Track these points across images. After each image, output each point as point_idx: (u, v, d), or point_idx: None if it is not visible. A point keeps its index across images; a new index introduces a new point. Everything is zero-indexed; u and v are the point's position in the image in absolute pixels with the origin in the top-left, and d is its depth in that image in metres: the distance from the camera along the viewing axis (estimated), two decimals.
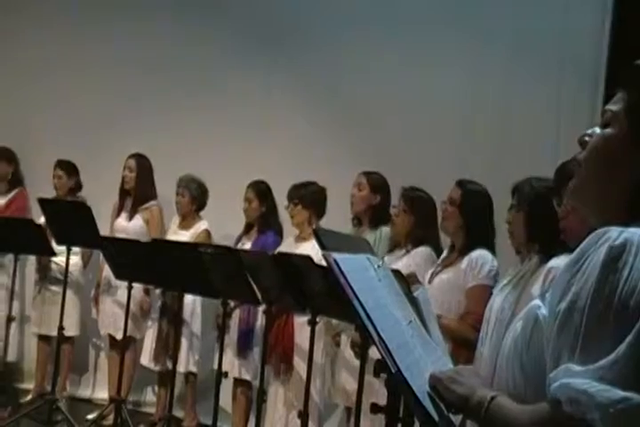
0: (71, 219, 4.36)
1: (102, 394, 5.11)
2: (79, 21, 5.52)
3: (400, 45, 4.82)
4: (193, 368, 4.63)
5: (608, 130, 1.14)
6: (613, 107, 1.15)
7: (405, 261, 3.50)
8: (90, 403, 5.15)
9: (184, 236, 4.70)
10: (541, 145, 4.37)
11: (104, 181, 5.12)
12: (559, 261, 2.47)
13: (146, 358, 4.70)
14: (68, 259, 4.58)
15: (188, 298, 4.50)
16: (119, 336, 4.65)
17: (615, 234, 1.01)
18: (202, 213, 4.85)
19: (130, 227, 4.90)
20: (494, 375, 2.06)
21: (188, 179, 4.76)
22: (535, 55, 4.58)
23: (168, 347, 4.52)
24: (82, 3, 5.56)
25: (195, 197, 4.76)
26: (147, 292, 4.70)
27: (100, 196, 5.02)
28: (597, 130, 1.16)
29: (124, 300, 4.37)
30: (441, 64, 4.74)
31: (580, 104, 4.40)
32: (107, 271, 4.64)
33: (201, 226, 4.77)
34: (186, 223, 4.82)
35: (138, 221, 4.93)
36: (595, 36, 4.46)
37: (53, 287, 4.98)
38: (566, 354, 0.99)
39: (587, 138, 1.16)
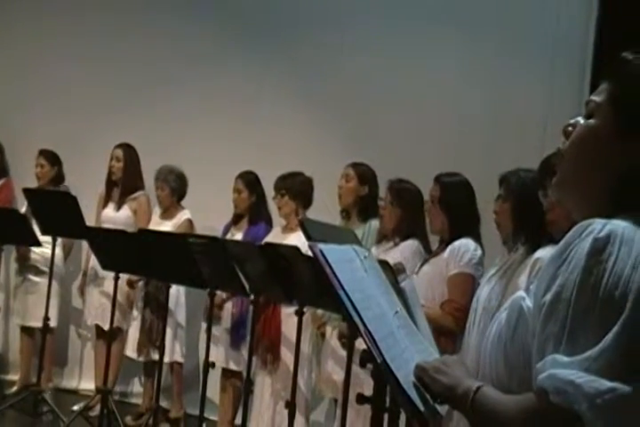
0: (56, 209, 4.34)
1: (88, 385, 5.10)
2: (63, 14, 5.46)
3: (390, 40, 4.81)
4: (178, 358, 4.63)
5: (591, 120, 1.14)
6: (597, 98, 1.15)
7: (393, 254, 3.49)
8: (76, 394, 5.14)
9: (166, 226, 4.68)
10: (530, 138, 4.38)
11: (88, 172, 5.10)
12: (545, 252, 2.49)
13: (130, 349, 4.69)
14: (53, 250, 4.56)
15: (172, 288, 4.48)
16: (107, 327, 4.65)
17: (599, 226, 1.02)
18: (185, 203, 4.83)
19: (118, 217, 4.88)
20: (479, 365, 2.07)
21: (166, 171, 4.74)
22: (524, 49, 4.59)
23: (152, 337, 4.51)
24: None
25: (174, 188, 4.74)
26: (130, 285, 4.68)
27: (84, 186, 4.98)
28: (581, 120, 1.16)
29: (110, 291, 4.35)
30: (431, 58, 4.74)
31: (567, 98, 4.40)
32: (93, 262, 4.62)
33: (183, 216, 4.76)
34: (168, 213, 4.80)
35: (126, 211, 4.91)
36: (581, 30, 4.47)
37: (33, 277, 4.96)
38: (552, 345, 1.00)
39: (570, 128, 1.16)
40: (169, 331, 4.49)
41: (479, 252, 3.15)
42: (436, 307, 3.13)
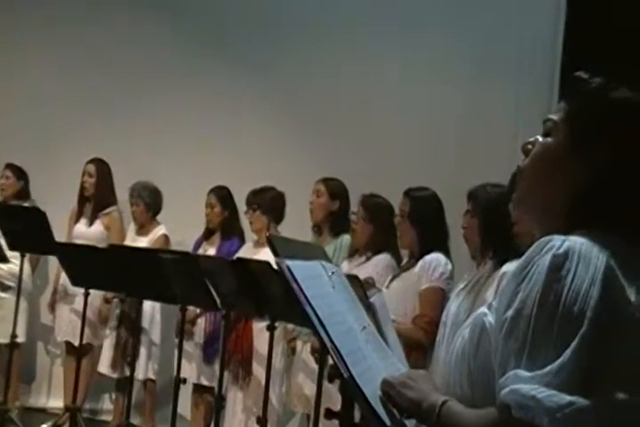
0: (25, 224, 4.29)
1: (57, 403, 5.03)
2: (33, 27, 5.43)
3: (363, 54, 4.85)
4: (152, 375, 4.60)
5: (549, 139, 1.17)
6: (554, 116, 1.18)
7: (366, 269, 3.50)
8: (44, 412, 5.06)
9: (142, 242, 4.66)
10: (500, 153, 4.43)
11: (57, 187, 5.05)
12: (513, 267, 2.51)
13: (104, 366, 4.64)
14: (22, 265, 4.50)
15: (147, 305, 4.48)
16: (77, 343, 4.60)
17: (558, 242, 1.04)
18: (159, 218, 4.81)
19: (90, 233, 4.85)
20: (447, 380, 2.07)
21: (140, 187, 4.72)
22: (494, 66, 4.67)
23: (126, 354, 4.47)
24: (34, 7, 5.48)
25: (148, 204, 4.73)
26: (106, 301, 4.64)
27: (53, 201, 4.92)
28: (540, 138, 1.19)
29: (82, 307, 4.30)
30: (402, 74, 4.79)
31: (536, 112, 4.48)
32: (63, 279, 4.58)
33: (159, 231, 4.74)
34: (143, 230, 4.78)
35: (98, 226, 4.88)
36: (549, 45, 4.56)
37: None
38: (514, 361, 1.02)
39: (529, 146, 1.19)
40: (143, 349, 4.48)
41: (450, 266, 3.18)
42: (408, 321, 3.15)
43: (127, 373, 4.43)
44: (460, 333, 1.18)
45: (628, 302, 1.02)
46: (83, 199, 4.95)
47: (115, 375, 4.63)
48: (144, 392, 4.67)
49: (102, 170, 4.90)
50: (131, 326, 4.42)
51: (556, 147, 1.15)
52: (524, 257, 1.06)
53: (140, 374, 4.48)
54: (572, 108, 1.16)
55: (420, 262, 3.18)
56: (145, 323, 4.52)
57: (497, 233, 2.59)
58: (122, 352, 4.53)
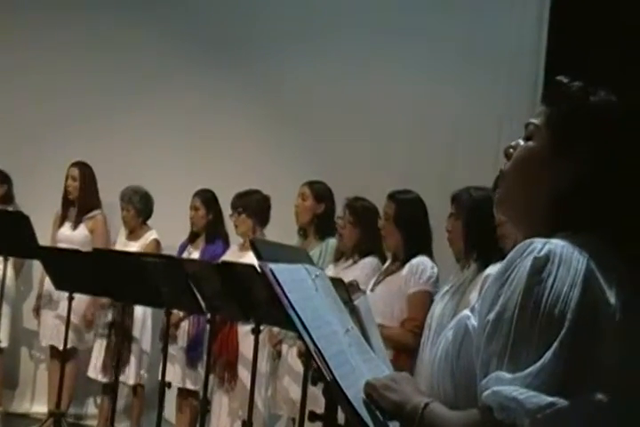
0: (8, 229, 4.27)
1: (41, 408, 4.99)
2: (10, 29, 5.38)
3: (347, 56, 4.86)
4: (142, 381, 4.57)
5: (530, 142, 1.18)
6: (535, 120, 1.19)
7: (354, 272, 3.51)
8: (27, 418, 5.02)
9: (133, 247, 4.63)
10: (485, 155, 4.45)
11: (41, 191, 5.02)
12: (496, 269, 2.53)
13: (94, 371, 4.60)
14: (5, 270, 4.48)
15: (138, 312, 4.48)
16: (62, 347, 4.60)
17: (539, 245, 1.05)
18: (150, 222, 4.79)
19: (74, 236, 4.82)
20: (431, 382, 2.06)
21: (131, 192, 4.70)
22: (480, 68, 4.69)
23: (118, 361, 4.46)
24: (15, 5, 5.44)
25: (139, 209, 4.70)
26: (101, 306, 4.61)
27: (36, 205, 4.89)
28: (522, 142, 1.20)
29: (65, 314, 4.29)
30: (386, 77, 4.80)
31: (521, 114, 4.50)
32: (47, 285, 4.56)
33: (149, 236, 4.72)
34: (134, 235, 4.75)
35: (82, 230, 4.86)
36: (534, 46, 4.59)
37: None
38: (495, 363, 1.03)
39: (511, 150, 1.20)
40: (134, 354, 4.49)
41: (436, 269, 3.21)
42: (395, 324, 3.16)
43: (121, 379, 4.43)
44: (443, 335, 1.19)
45: (608, 305, 1.03)
46: (66, 203, 4.93)
47: (104, 380, 4.59)
48: (133, 397, 4.64)
49: (86, 173, 4.88)
50: (121, 332, 4.41)
51: (538, 150, 1.16)
52: (505, 260, 1.07)
53: (130, 380, 4.48)
54: (552, 112, 1.17)
55: (407, 266, 3.20)
56: (136, 329, 4.51)
57: (481, 236, 2.61)
58: (112, 357, 4.49)
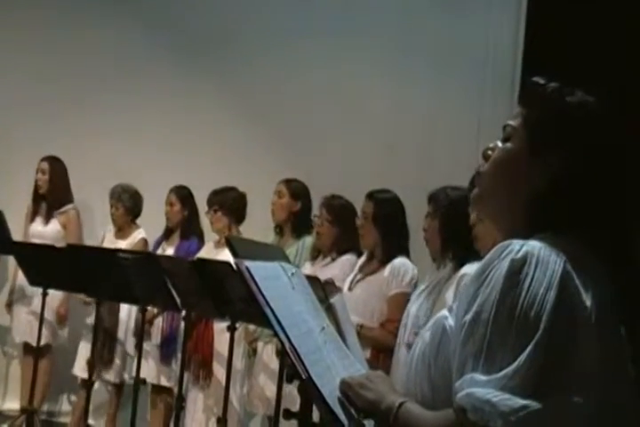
0: None
1: (13, 405, 4.94)
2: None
3: (326, 56, 4.87)
4: (125, 379, 4.52)
5: (508, 144, 1.19)
6: (513, 122, 1.20)
7: (332, 270, 3.52)
8: None
9: (121, 245, 4.56)
10: (462, 154, 4.48)
11: (13, 185, 4.96)
12: (472, 268, 2.54)
13: (79, 369, 4.53)
14: None
15: (123, 313, 4.44)
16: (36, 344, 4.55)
17: (517, 247, 1.05)
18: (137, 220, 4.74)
19: (46, 232, 4.76)
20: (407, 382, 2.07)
21: (120, 190, 4.64)
22: (455, 69, 4.71)
23: (103, 358, 4.41)
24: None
25: (128, 207, 4.64)
26: (85, 303, 4.57)
27: (9, 200, 4.83)
28: (499, 144, 1.21)
29: (39, 310, 4.24)
30: (362, 76, 4.81)
31: (498, 113, 4.53)
32: (20, 280, 4.50)
33: (138, 235, 4.66)
34: (122, 233, 4.70)
35: (55, 225, 4.80)
36: (511, 45, 4.62)
37: None
38: (471, 364, 1.03)
39: (489, 152, 1.21)
40: (118, 353, 4.45)
41: (416, 271, 3.22)
42: (374, 324, 3.18)
43: (104, 376, 4.44)
44: (420, 335, 1.20)
45: (583, 307, 1.03)
46: (37, 197, 4.86)
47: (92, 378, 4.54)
48: (113, 395, 4.59)
49: (56, 167, 4.81)
50: (104, 331, 4.39)
51: (516, 152, 1.17)
52: (483, 261, 1.08)
53: (114, 378, 4.45)
54: (529, 114, 1.18)
55: (389, 267, 3.21)
56: (120, 331, 4.46)
57: (457, 235, 2.62)
58: (99, 356, 4.45)
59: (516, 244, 1.06)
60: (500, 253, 1.06)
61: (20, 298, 4.74)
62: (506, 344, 1.00)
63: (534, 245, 1.05)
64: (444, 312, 1.19)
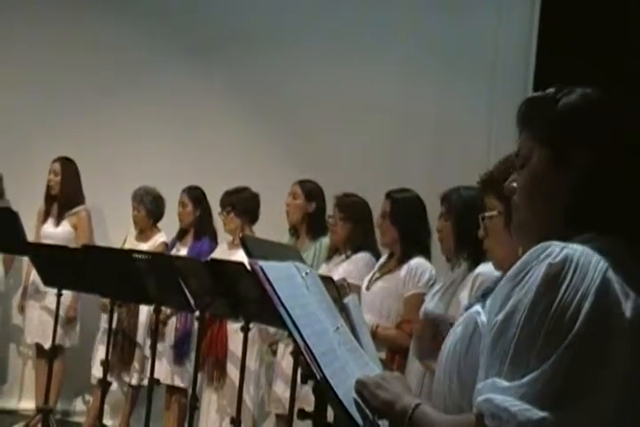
0: None
1: (29, 404, 4.97)
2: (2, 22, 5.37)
3: (338, 55, 4.86)
4: (142, 382, 4.54)
5: (527, 168, 1.16)
6: (523, 147, 1.17)
7: (345, 267, 3.53)
8: (15, 414, 4.99)
9: (142, 248, 4.56)
10: (474, 155, 4.46)
11: (27, 186, 4.99)
12: (487, 268, 2.53)
13: (98, 369, 4.55)
14: None
15: (143, 315, 4.45)
16: (47, 345, 4.56)
17: (557, 250, 1.02)
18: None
19: (57, 233, 4.77)
20: (424, 378, 2.07)
21: (142, 192, 4.64)
22: (467, 66, 4.69)
23: (123, 359, 4.46)
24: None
25: (150, 210, 4.65)
26: (104, 306, 4.59)
27: (24, 201, 4.86)
28: (516, 175, 1.18)
29: (51, 307, 4.26)
30: (375, 76, 4.80)
31: (509, 113, 4.50)
32: (34, 276, 4.52)
33: (159, 238, 4.67)
34: (143, 236, 4.71)
35: (65, 226, 4.81)
36: (523, 44, 4.60)
37: None
38: (495, 367, 1.01)
39: (514, 184, 1.18)
40: (137, 356, 4.47)
41: (434, 272, 3.20)
42: (390, 324, 3.18)
43: (124, 378, 4.47)
44: (452, 330, 1.19)
45: (621, 317, 0.99)
46: (49, 199, 4.87)
47: (110, 379, 4.54)
48: (129, 396, 4.61)
49: (68, 168, 4.82)
50: (123, 333, 4.43)
51: (539, 170, 1.14)
52: (520, 260, 1.05)
53: (133, 380, 4.48)
54: (536, 130, 1.15)
55: (406, 267, 3.20)
56: (139, 335, 4.48)
57: (471, 235, 2.60)
58: (119, 357, 4.46)
59: (555, 246, 1.02)
60: (539, 255, 1.02)
61: (34, 294, 4.71)
62: (532, 350, 0.97)
63: (575, 249, 1.01)
64: (477, 308, 1.18)
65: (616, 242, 1.05)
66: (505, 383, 0.98)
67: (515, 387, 0.97)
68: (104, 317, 4.60)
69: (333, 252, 3.73)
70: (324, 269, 3.57)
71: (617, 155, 1.10)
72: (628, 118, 1.13)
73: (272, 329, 3.84)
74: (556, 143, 1.12)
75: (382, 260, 3.41)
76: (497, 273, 2.23)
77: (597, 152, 1.10)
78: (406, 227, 3.23)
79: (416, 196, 3.29)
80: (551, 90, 1.17)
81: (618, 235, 1.07)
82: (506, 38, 4.64)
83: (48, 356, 4.37)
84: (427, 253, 3.25)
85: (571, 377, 0.96)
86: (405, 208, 3.24)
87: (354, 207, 3.60)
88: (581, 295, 0.98)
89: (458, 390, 1.13)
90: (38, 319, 4.72)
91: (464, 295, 2.54)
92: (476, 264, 2.58)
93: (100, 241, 4.86)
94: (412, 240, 3.23)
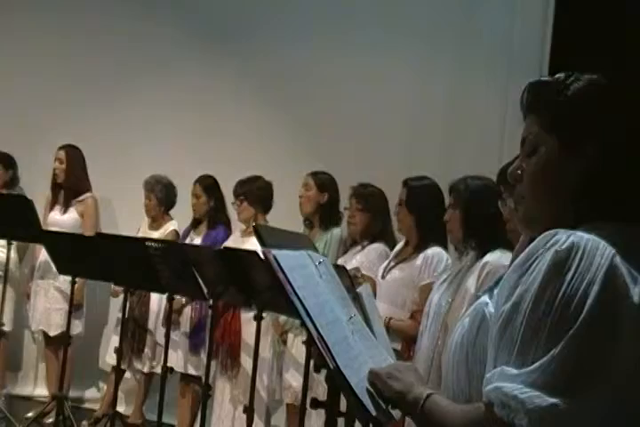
0: (11, 212, 4.26)
1: (43, 391, 5.01)
2: (13, 12, 5.35)
3: (349, 46, 4.83)
4: (155, 369, 4.56)
5: (536, 156, 1.15)
6: (530, 133, 1.16)
7: (359, 258, 3.53)
8: (30, 400, 5.04)
9: (154, 236, 4.58)
10: (488, 144, 4.44)
11: (37, 174, 4.99)
12: (494, 256, 2.54)
13: (110, 357, 4.59)
14: (8, 254, 4.48)
15: (154, 305, 4.47)
16: (52, 333, 4.63)
17: (564, 237, 1.02)
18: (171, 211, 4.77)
19: (64, 220, 4.77)
20: (431, 367, 2.08)
21: (154, 181, 4.65)
22: (482, 56, 4.65)
23: (134, 347, 4.50)
24: None
25: (161, 198, 4.66)
26: (115, 293, 4.61)
27: (34, 189, 4.87)
28: (523, 164, 1.17)
29: (56, 295, 4.27)
30: (388, 67, 4.77)
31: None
32: (43, 256, 4.51)
33: (170, 226, 4.68)
34: (156, 224, 4.72)
35: (72, 214, 4.81)
36: (538, 41, 4.54)
37: None
38: (503, 355, 1.01)
39: (519, 171, 1.17)
40: (148, 344, 4.51)
41: (450, 261, 3.19)
42: (404, 313, 3.18)
43: (136, 365, 4.52)
44: (460, 322, 1.19)
45: (629, 303, 0.98)
46: (55, 186, 4.87)
47: (122, 367, 4.58)
48: (142, 384, 4.64)
49: (73, 156, 4.81)
50: (135, 321, 4.46)
51: (547, 158, 1.13)
52: (527, 249, 1.04)
53: (145, 368, 4.52)
54: (544, 116, 1.14)
55: (422, 256, 3.20)
56: (150, 322, 4.50)
57: (478, 224, 2.61)
58: (130, 345, 4.50)
59: (562, 234, 1.02)
60: (546, 243, 1.02)
61: (47, 272, 4.66)
62: (540, 337, 0.97)
63: (581, 237, 1.01)
64: (485, 298, 1.17)
65: (623, 229, 1.05)
66: (514, 371, 0.98)
67: (524, 374, 0.97)
68: (113, 303, 4.63)
69: (351, 243, 3.73)
70: (340, 262, 3.57)
71: (628, 142, 1.09)
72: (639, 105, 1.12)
73: (282, 318, 3.84)
74: (566, 131, 1.11)
75: (398, 247, 3.40)
76: (504, 262, 2.24)
77: (608, 140, 1.09)
78: (422, 215, 3.23)
79: (434, 184, 3.28)
80: (559, 75, 1.15)
81: (625, 223, 1.06)
82: (521, 34, 4.59)
83: (53, 343, 4.41)
84: (443, 242, 3.24)
85: (580, 363, 0.96)
86: (422, 196, 3.24)
87: (372, 197, 3.60)
88: (588, 281, 0.98)
89: (465, 378, 1.13)
90: (42, 307, 4.73)
91: (471, 283, 2.54)
92: (484, 253, 2.58)
93: (111, 229, 4.85)
94: (429, 228, 3.22)
